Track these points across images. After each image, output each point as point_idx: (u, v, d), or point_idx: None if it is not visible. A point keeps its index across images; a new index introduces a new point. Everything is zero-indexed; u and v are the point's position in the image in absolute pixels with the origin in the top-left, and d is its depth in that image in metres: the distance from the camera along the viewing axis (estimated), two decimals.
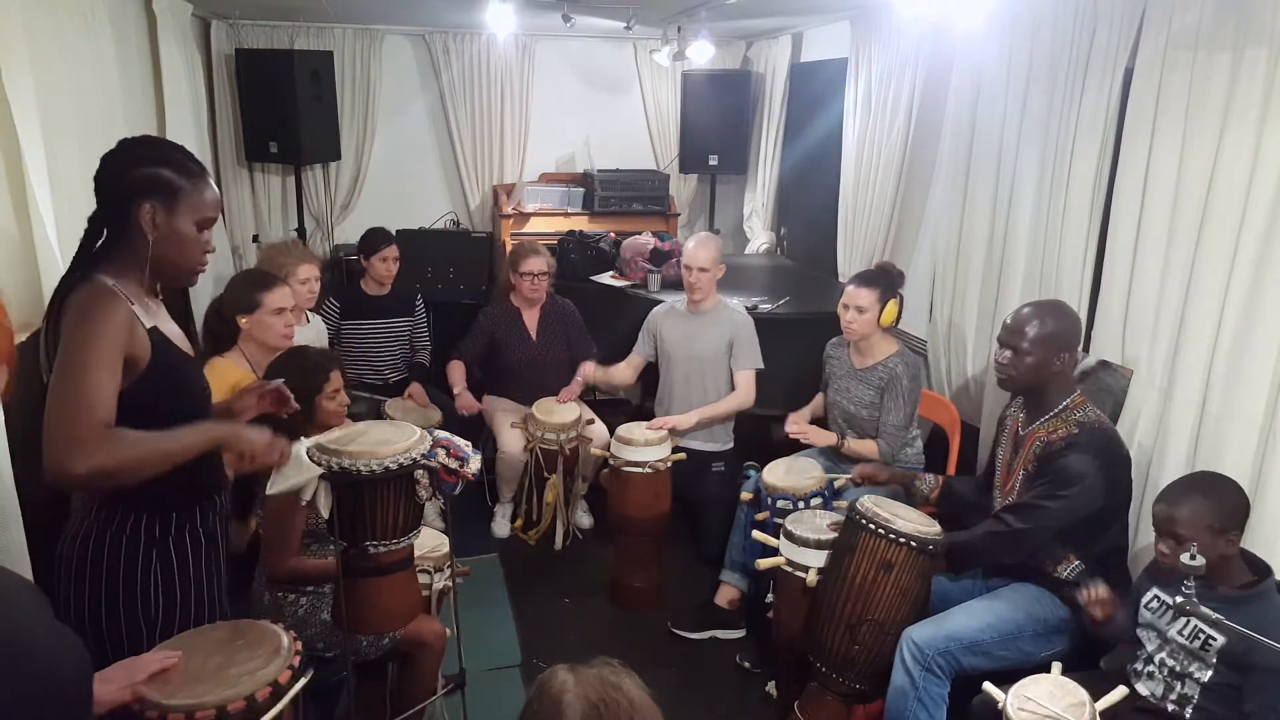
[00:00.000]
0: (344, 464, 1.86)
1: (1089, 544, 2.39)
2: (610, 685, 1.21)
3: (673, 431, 3.51)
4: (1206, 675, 1.99)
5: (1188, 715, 2.02)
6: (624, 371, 3.92)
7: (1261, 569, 2.01)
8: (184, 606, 1.79)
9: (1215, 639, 1.96)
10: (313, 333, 3.58)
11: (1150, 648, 2.15)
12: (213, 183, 1.78)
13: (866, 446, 3.21)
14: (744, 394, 3.61)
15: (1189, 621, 2.02)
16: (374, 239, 4.20)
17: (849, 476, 3.01)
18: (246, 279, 2.97)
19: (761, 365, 3.62)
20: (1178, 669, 2.05)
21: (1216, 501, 1.98)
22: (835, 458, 3.35)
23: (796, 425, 3.32)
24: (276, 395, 2.06)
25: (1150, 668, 2.12)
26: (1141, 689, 2.11)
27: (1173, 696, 2.05)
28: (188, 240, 1.72)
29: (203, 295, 3.76)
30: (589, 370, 3.88)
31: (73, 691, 1.11)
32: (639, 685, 1.24)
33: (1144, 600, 2.19)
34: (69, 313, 1.60)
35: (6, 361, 1.41)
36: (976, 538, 2.47)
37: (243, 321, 2.83)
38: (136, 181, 1.67)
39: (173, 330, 1.81)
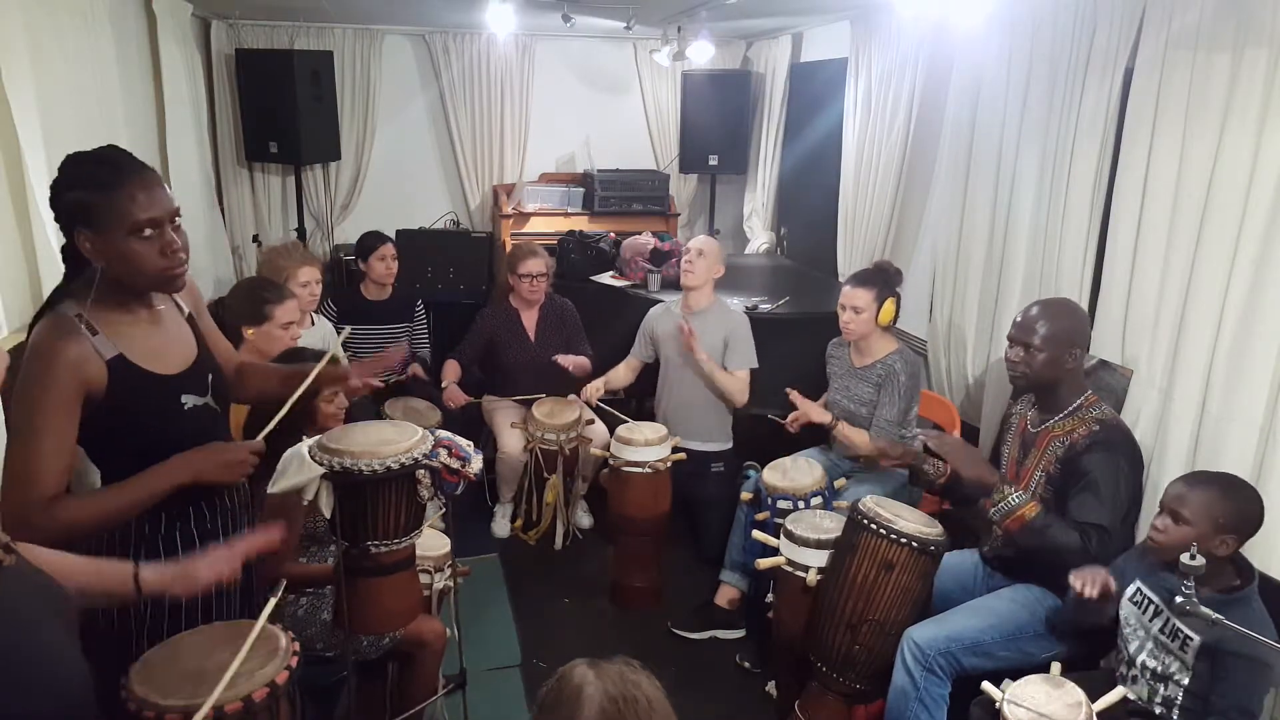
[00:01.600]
0: (346, 464, 1.86)
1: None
2: (630, 682, 1.23)
3: (671, 430, 3.50)
4: (1187, 678, 1.98)
5: (1174, 717, 2.02)
6: (621, 374, 3.92)
7: (1246, 574, 2.00)
8: (172, 607, 1.76)
9: (1193, 639, 1.95)
10: (319, 335, 3.57)
11: (1131, 648, 2.13)
12: (143, 180, 1.61)
13: (859, 435, 3.20)
14: (738, 389, 3.60)
15: (1168, 619, 2.02)
16: (370, 239, 4.20)
17: (864, 455, 2.97)
18: (255, 289, 2.89)
19: (755, 364, 3.62)
20: (1159, 669, 2.04)
21: (1234, 501, 1.97)
22: (836, 457, 3.35)
23: (795, 397, 3.31)
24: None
25: (1134, 671, 2.11)
26: (1129, 693, 2.09)
27: (1158, 699, 2.04)
28: (130, 253, 1.60)
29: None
30: (590, 392, 3.85)
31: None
32: (656, 686, 1.27)
33: (1127, 594, 2.17)
34: (25, 357, 1.58)
35: None
36: (1051, 541, 2.31)
37: (249, 333, 2.77)
38: (64, 213, 1.62)
39: (157, 346, 1.74)
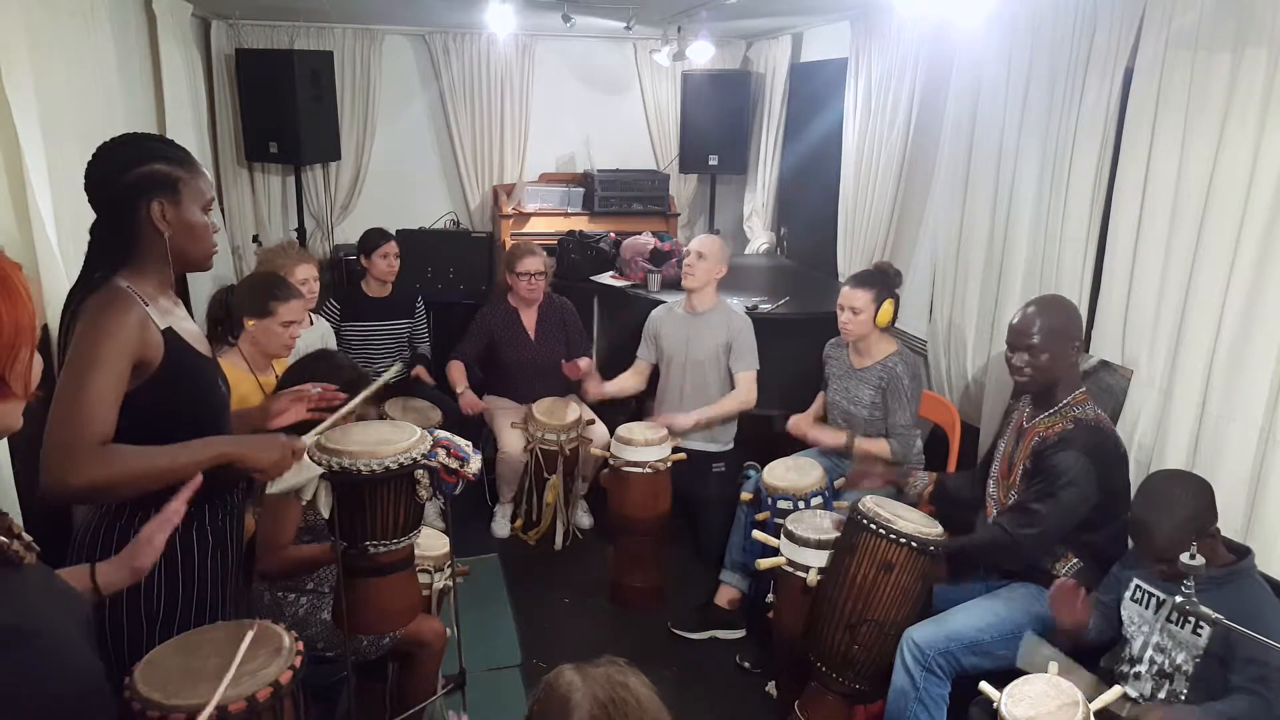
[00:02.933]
0: (344, 464, 1.86)
1: (1086, 541, 2.40)
2: (618, 684, 1.20)
3: (672, 431, 3.51)
4: (1193, 665, 1.99)
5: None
6: (630, 380, 3.90)
7: (1240, 550, 2.03)
8: (185, 603, 1.78)
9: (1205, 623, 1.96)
10: (317, 334, 3.57)
11: (1136, 646, 2.13)
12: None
13: (878, 446, 3.19)
14: (745, 394, 3.60)
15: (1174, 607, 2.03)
16: (373, 236, 4.20)
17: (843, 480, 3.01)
18: (265, 283, 2.93)
19: (757, 366, 3.62)
20: (1166, 665, 2.04)
21: (1186, 518, 1.95)
22: (836, 457, 3.35)
23: (802, 428, 3.32)
24: (321, 398, 2.03)
25: (1137, 668, 2.11)
26: (1131, 691, 2.09)
27: (1161, 696, 2.04)
28: (198, 227, 1.73)
29: (201, 293, 3.76)
30: (595, 389, 3.85)
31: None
32: (645, 684, 1.24)
33: (1127, 593, 2.17)
34: (81, 319, 1.60)
35: (29, 343, 1.22)
36: (976, 547, 2.51)
37: (250, 324, 2.82)
38: (135, 182, 1.65)
39: (189, 329, 1.79)
